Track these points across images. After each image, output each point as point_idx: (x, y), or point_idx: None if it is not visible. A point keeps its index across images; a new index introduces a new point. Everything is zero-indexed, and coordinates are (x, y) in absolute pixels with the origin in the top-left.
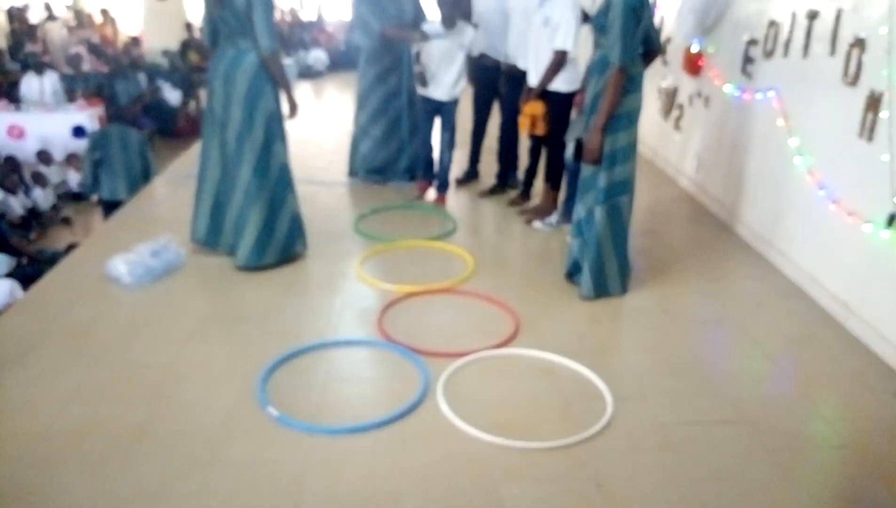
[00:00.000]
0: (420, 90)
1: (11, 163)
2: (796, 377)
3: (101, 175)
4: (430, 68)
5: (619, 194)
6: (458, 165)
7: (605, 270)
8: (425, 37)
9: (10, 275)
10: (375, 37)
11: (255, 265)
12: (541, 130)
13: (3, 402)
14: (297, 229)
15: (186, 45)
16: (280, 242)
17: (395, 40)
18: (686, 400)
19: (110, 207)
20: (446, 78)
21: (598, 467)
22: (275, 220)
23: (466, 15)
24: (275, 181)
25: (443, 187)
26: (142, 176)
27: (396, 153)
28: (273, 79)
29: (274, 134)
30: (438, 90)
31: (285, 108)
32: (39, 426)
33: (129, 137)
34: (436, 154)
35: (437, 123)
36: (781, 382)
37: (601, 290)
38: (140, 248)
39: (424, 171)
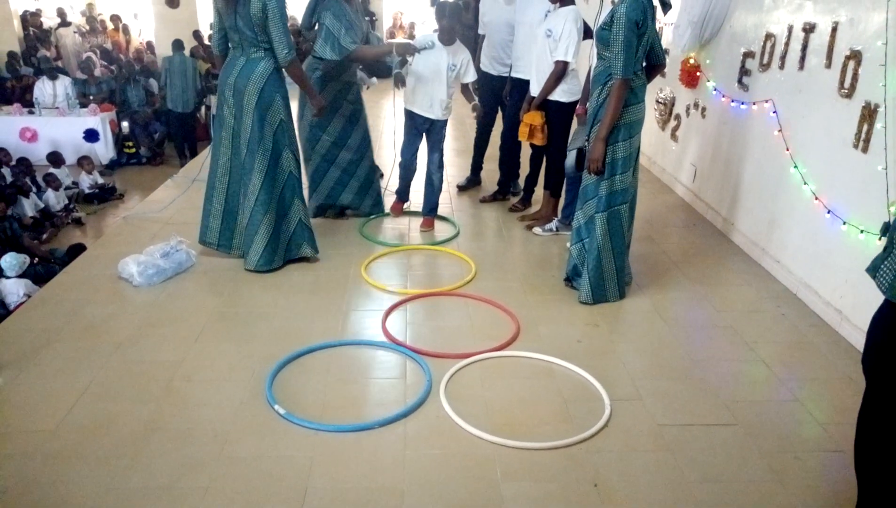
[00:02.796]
0: (408, 106)
1: (24, 165)
2: (790, 381)
3: (166, 90)
4: (419, 84)
5: (618, 203)
6: (462, 173)
7: (603, 277)
8: (411, 49)
9: (22, 275)
10: (344, 55)
11: (266, 270)
12: (539, 140)
13: (15, 398)
14: (304, 234)
15: (195, 53)
16: (285, 246)
17: (366, 61)
18: (682, 403)
19: (175, 119)
20: (438, 95)
21: (596, 467)
22: (281, 226)
23: (465, 36)
24: (282, 188)
25: (433, 212)
26: (193, 95)
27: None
28: (284, 88)
29: (282, 143)
30: (431, 109)
31: (300, 111)
32: (51, 422)
33: (187, 63)
34: (406, 171)
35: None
36: (776, 386)
37: (599, 296)
38: (151, 249)
39: (401, 193)
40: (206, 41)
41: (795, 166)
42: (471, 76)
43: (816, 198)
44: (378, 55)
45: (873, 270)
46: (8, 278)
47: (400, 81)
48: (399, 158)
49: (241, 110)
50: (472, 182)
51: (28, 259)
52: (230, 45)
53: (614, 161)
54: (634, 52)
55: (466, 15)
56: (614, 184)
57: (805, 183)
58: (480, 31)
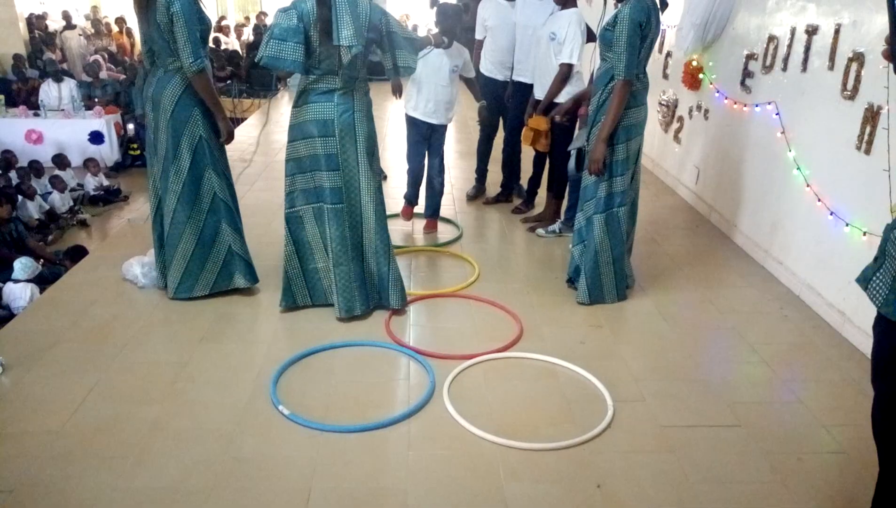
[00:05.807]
0: (410, 112)
1: (33, 168)
2: (793, 383)
3: None
4: (422, 89)
5: (617, 204)
6: (464, 175)
7: (601, 278)
8: (439, 38)
9: (29, 280)
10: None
11: (185, 297)
12: (542, 146)
13: (21, 399)
14: (237, 264)
15: None
16: (213, 274)
17: None
18: (685, 404)
19: None
20: (443, 99)
21: (599, 468)
22: (207, 252)
23: (465, 39)
24: (206, 212)
25: (435, 214)
26: None
27: None
28: (203, 102)
29: (203, 163)
30: (435, 114)
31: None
32: (56, 423)
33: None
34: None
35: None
36: (779, 388)
37: (596, 297)
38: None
39: (410, 197)
40: (210, 44)
41: (798, 168)
42: (470, 72)
43: (819, 200)
44: (421, 45)
45: (864, 281)
46: (17, 281)
47: (398, 91)
48: (407, 166)
49: (157, 126)
50: (479, 190)
51: (39, 267)
52: (149, 58)
53: (613, 163)
54: (637, 53)
55: (466, 17)
56: (613, 186)
57: (808, 185)
58: (478, 36)
